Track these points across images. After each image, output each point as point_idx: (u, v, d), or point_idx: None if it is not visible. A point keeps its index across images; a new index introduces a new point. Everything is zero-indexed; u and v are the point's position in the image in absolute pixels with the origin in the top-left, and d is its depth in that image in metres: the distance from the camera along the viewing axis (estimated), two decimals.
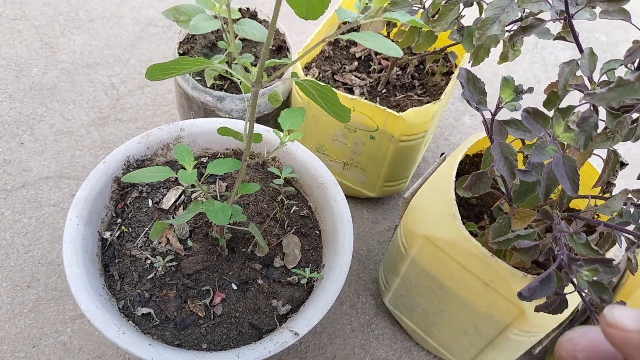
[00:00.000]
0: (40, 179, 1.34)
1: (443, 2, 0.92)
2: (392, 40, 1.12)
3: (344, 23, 0.66)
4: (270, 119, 1.28)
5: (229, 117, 1.21)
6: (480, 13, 0.89)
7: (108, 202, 0.99)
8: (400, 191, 1.40)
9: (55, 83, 1.52)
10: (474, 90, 0.83)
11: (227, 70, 1.01)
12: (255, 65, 1.29)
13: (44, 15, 1.69)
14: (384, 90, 1.28)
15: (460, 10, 0.92)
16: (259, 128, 1.06)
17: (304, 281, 0.95)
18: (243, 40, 1.32)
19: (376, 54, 1.36)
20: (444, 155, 1.09)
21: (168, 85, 1.57)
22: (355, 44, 1.37)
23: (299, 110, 0.77)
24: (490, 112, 0.74)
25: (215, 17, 1.12)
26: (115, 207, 1.01)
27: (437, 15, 0.91)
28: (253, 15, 1.34)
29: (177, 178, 1.07)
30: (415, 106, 1.21)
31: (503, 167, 0.71)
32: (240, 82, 1.21)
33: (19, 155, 1.37)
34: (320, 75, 1.28)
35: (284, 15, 1.71)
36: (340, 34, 0.65)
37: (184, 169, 0.81)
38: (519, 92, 0.73)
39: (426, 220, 0.93)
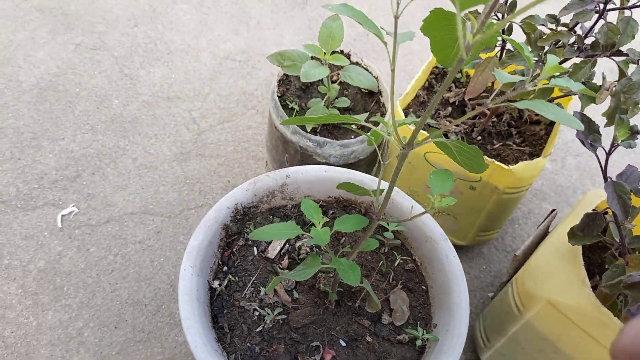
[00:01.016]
0: (125, 214, 1.34)
1: (574, 58, 0.90)
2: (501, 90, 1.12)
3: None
4: (363, 164, 1.27)
5: (326, 162, 1.21)
6: (621, 74, 0.87)
7: (217, 250, 0.99)
8: (491, 240, 1.37)
9: (136, 116, 1.54)
10: (589, 131, 0.81)
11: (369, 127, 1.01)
12: (348, 110, 1.29)
13: (122, 46, 1.72)
14: (479, 138, 1.27)
15: (590, 70, 0.90)
16: (382, 184, 1.05)
17: (419, 342, 0.93)
18: (339, 82, 1.32)
19: (470, 99, 1.35)
20: (555, 212, 1.06)
21: (247, 121, 1.58)
22: (449, 89, 1.36)
23: (446, 173, 0.75)
24: (605, 150, 0.72)
25: (321, 62, 1.12)
26: (222, 255, 1.01)
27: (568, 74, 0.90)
28: (347, 57, 1.34)
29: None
30: (516, 155, 1.19)
31: (616, 206, 0.69)
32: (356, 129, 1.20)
33: (102, 189, 1.38)
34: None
35: (374, 52, 1.70)
36: (509, 101, 0.63)
37: (305, 222, 0.79)
38: (634, 131, 0.72)
39: (550, 284, 0.90)
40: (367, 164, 1.30)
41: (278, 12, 1.92)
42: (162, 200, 1.38)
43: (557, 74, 0.83)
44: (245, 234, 1.04)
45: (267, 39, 1.82)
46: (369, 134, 0.83)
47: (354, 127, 1.30)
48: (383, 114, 1.32)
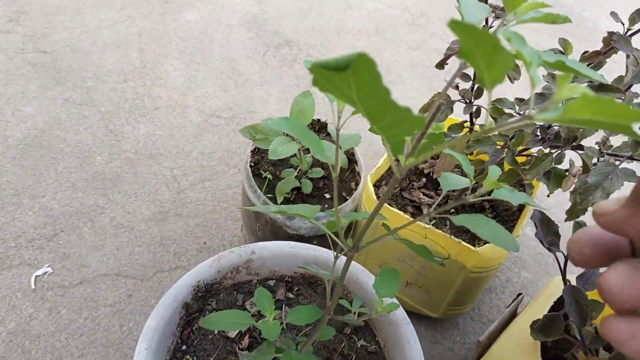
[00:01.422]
0: (98, 275, 1.34)
1: (534, 152, 0.91)
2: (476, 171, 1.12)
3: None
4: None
5: (296, 234, 1.21)
6: (585, 168, 0.87)
7: (175, 330, 0.99)
8: (464, 313, 1.36)
9: (118, 173, 1.56)
10: (547, 231, 0.81)
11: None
12: (323, 179, 1.30)
13: (110, 102, 1.75)
14: (453, 210, 1.27)
15: (552, 163, 0.91)
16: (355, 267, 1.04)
17: None
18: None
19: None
20: (521, 296, 1.06)
21: (228, 179, 1.59)
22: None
23: (393, 274, 0.75)
24: (563, 254, 0.72)
25: (292, 137, 1.14)
26: (182, 334, 1.00)
27: (529, 165, 0.90)
28: (323, 126, 1.35)
29: (242, 303, 1.06)
30: None
31: (573, 312, 0.69)
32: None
33: (78, 249, 1.39)
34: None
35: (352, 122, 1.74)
36: (450, 214, 0.64)
37: (259, 312, 0.79)
38: None
39: None
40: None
41: (267, 69, 1.96)
42: (136, 261, 1.39)
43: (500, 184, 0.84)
44: (207, 312, 1.04)
45: (254, 96, 1.85)
46: (322, 224, 0.83)
47: (327, 195, 1.31)
48: (357, 183, 1.33)
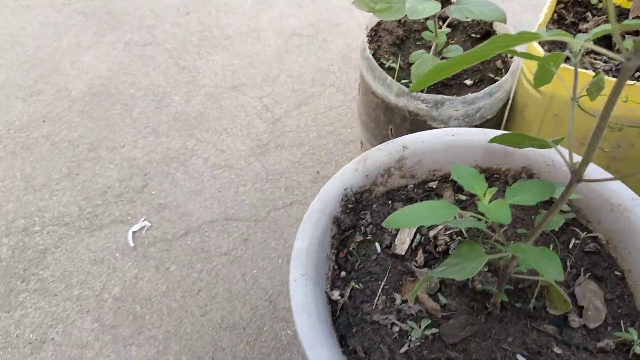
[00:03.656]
0: (204, 223, 1.15)
1: None
2: None
3: None
4: (492, 125, 1.03)
5: (444, 127, 0.97)
6: None
7: (330, 252, 0.77)
8: None
9: (201, 111, 1.35)
10: None
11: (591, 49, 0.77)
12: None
13: (175, 38, 1.54)
14: (639, 74, 0.99)
15: None
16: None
17: (637, 349, 0.67)
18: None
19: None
20: None
21: (327, 101, 1.36)
22: (584, 19, 1.10)
23: None
24: None
25: None
26: (337, 257, 0.78)
27: None
28: None
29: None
30: None
31: None
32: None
33: (174, 197, 1.19)
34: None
35: None
36: None
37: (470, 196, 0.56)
38: None
39: None
40: (495, 124, 1.05)
41: None
42: (244, 202, 1.18)
43: None
44: (362, 227, 0.81)
45: (335, 8, 1.60)
46: (542, 61, 0.58)
47: (468, 82, 1.06)
48: (504, 60, 1.07)
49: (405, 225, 0.57)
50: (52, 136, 1.32)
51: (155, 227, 1.15)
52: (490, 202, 0.58)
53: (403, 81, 0.97)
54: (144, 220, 1.16)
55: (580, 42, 0.46)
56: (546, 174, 0.83)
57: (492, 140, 0.59)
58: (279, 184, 1.21)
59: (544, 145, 0.59)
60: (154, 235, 1.14)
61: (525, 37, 0.41)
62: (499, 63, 1.06)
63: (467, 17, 0.87)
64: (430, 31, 0.96)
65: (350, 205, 0.81)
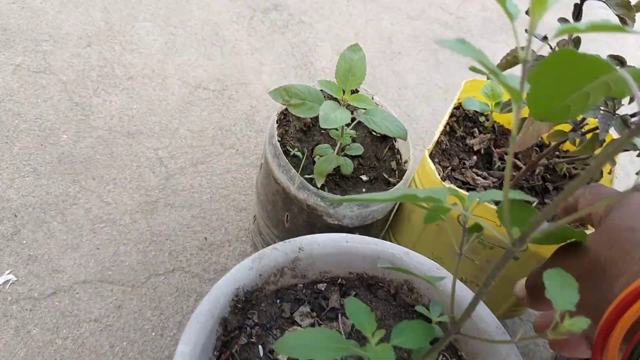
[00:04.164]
0: (76, 283, 1.08)
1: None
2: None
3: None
4: (379, 225, 1.07)
5: (338, 224, 0.99)
6: None
7: (212, 355, 0.75)
8: (523, 314, 1.19)
9: (89, 155, 1.28)
10: None
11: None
12: (358, 157, 1.08)
13: (72, 69, 1.45)
14: None
15: None
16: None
17: None
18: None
19: (495, 146, 1.17)
20: None
21: (225, 162, 1.35)
22: (472, 134, 1.18)
23: (565, 277, 0.55)
24: None
25: (339, 102, 0.91)
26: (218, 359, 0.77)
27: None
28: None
29: (291, 314, 0.84)
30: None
31: None
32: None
33: (47, 249, 1.11)
34: (440, 174, 1.07)
35: (384, 88, 1.48)
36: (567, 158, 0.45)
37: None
38: None
39: None
40: (382, 224, 1.09)
41: (255, 35, 1.71)
42: (123, 263, 1.13)
43: None
44: (248, 328, 0.80)
45: (244, 66, 1.60)
46: (428, 207, 0.62)
47: (364, 177, 1.10)
48: (398, 162, 1.12)
49: (298, 355, 0.57)
50: None
51: (21, 282, 1.06)
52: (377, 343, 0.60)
53: (306, 176, 0.98)
54: (9, 273, 1.07)
55: (473, 200, 0.52)
56: (425, 289, 0.87)
57: (383, 267, 0.62)
58: (163, 247, 1.17)
59: (427, 279, 0.63)
60: (18, 291, 1.05)
61: (431, 199, 0.46)
62: (393, 164, 1.11)
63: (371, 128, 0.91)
64: (336, 129, 0.99)
65: (239, 305, 0.80)
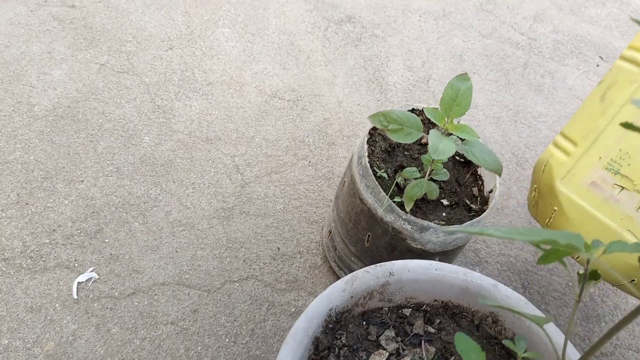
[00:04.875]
0: (155, 284, 1.10)
1: None
2: None
3: None
4: (458, 251, 1.06)
5: (420, 248, 0.99)
6: None
7: None
8: None
9: (170, 158, 1.31)
10: None
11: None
12: (443, 182, 1.08)
13: (155, 72, 1.49)
14: None
15: None
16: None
17: None
18: (422, 145, 1.11)
19: None
20: None
21: (298, 173, 1.36)
22: None
23: None
24: None
25: (441, 131, 0.91)
26: None
27: None
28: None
29: (376, 338, 0.84)
30: None
31: None
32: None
33: (129, 249, 1.14)
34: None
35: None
36: None
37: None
38: None
39: None
40: (460, 250, 1.08)
41: (330, 47, 1.72)
42: (200, 268, 1.15)
43: None
44: (336, 348, 0.81)
45: (318, 77, 1.61)
46: (545, 249, 0.61)
47: (445, 201, 1.09)
48: (480, 189, 1.11)
49: None
50: (4, 154, 1.23)
51: (102, 281, 1.09)
52: None
53: (395, 199, 0.98)
54: (91, 270, 1.10)
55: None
56: (510, 323, 0.86)
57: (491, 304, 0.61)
58: (238, 254, 1.19)
59: (536, 320, 0.62)
60: (100, 289, 1.08)
61: (572, 247, 0.46)
62: (475, 190, 1.10)
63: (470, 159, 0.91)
64: (429, 157, 0.98)
65: (330, 325, 0.80)
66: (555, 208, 1.06)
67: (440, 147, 0.83)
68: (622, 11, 2.25)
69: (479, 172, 1.13)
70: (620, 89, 0.98)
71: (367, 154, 1.01)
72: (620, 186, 0.96)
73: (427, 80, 1.71)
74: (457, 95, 0.91)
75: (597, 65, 1.96)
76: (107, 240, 1.14)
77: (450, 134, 0.92)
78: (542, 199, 1.11)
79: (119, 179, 1.24)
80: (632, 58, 0.98)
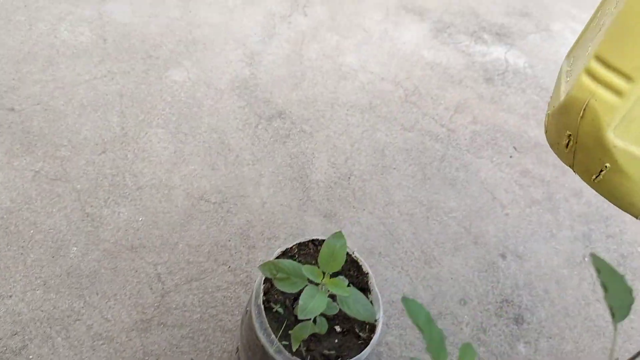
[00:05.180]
0: None
1: None
2: None
3: None
4: None
5: None
6: None
7: None
8: None
9: (95, 269, 1.42)
10: None
11: None
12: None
13: (86, 177, 1.60)
14: None
15: None
16: None
17: None
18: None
19: None
20: None
21: (217, 280, 1.49)
22: None
23: None
24: None
25: (319, 286, 1.05)
26: None
27: None
28: (355, 265, 1.27)
29: None
30: None
31: None
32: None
33: None
34: None
35: (354, 199, 1.61)
36: None
37: None
38: None
39: None
40: None
41: (259, 144, 1.86)
42: None
43: None
44: None
45: (245, 177, 1.74)
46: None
47: (337, 328, 1.23)
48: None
49: None
50: None
51: None
52: None
53: (284, 342, 1.12)
54: None
55: None
56: None
57: None
58: None
59: None
60: None
61: None
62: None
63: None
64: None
65: None
66: (607, 164, 0.83)
67: (309, 307, 0.97)
68: (540, 98, 2.46)
69: (369, 298, 1.27)
70: None
71: (262, 293, 1.14)
72: None
73: (349, 177, 1.86)
74: (333, 252, 1.06)
75: (510, 157, 2.15)
76: (30, 357, 1.25)
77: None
78: (582, 150, 0.87)
79: (45, 293, 1.35)
80: None
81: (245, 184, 1.73)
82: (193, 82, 1.97)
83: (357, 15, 2.49)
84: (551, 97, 0.93)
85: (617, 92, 0.74)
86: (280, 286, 1.05)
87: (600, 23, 0.82)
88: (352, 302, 1.05)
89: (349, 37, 2.38)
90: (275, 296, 1.20)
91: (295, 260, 1.27)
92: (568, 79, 0.82)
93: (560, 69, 0.95)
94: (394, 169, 1.97)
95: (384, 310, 1.53)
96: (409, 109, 2.20)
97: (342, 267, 1.23)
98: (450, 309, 1.64)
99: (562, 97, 0.81)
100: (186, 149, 1.77)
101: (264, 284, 1.20)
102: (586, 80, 0.77)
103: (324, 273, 1.06)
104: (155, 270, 1.46)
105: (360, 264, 1.29)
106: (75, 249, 1.45)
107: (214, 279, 1.49)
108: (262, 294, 1.14)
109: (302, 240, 1.29)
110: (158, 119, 1.82)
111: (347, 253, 1.29)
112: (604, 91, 0.75)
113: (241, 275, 1.52)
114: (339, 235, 1.07)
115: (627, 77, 0.72)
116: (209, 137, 1.83)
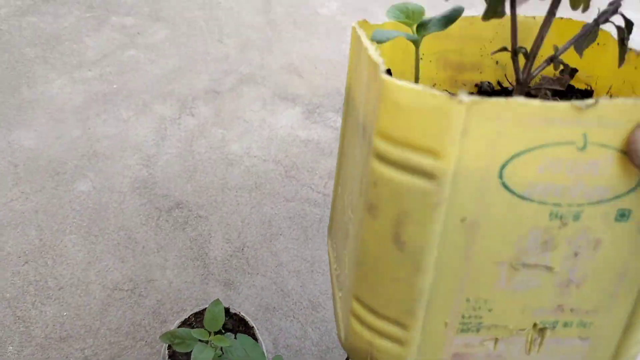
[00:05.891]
0: None
1: None
2: None
3: None
4: None
5: None
6: None
7: None
8: None
9: None
10: None
11: None
12: None
13: (14, 286, 1.90)
14: None
15: None
16: None
17: None
18: None
19: None
20: None
21: (136, 355, 1.81)
22: None
23: None
24: None
25: (208, 344, 1.41)
26: None
27: None
28: (243, 321, 1.64)
29: None
30: None
31: None
32: None
33: None
34: None
35: (248, 266, 2.02)
36: None
37: None
38: None
39: None
40: None
41: (161, 234, 2.22)
42: None
43: None
44: None
45: (152, 264, 2.09)
46: None
47: None
48: None
49: None
50: None
51: None
52: None
53: None
54: None
55: None
56: None
57: None
58: None
59: None
60: None
61: None
62: None
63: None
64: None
65: None
66: None
67: (199, 358, 1.33)
68: None
69: (257, 336, 1.64)
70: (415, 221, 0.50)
71: (168, 357, 1.49)
72: (494, 338, 0.56)
73: (242, 249, 2.25)
74: (214, 315, 1.43)
75: None
76: None
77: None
78: None
79: None
80: (410, 163, 0.49)
81: (153, 270, 2.08)
82: (98, 189, 2.32)
83: (238, 109, 2.95)
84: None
85: (397, 341, 0.58)
86: (178, 349, 1.41)
87: (345, 216, 0.69)
88: (235, 350, 1.42)
89: (232, 128, 2.83)
90: (180, 357, 1.55)
91: (193, 327, 1.64)
92: (340, 294, 0.68)
93: (327, 244, 0.84)
94: (281, 235, 2.38)
95: (280, 353, 1.90)
96: (289, 183, 2.63)
97: (232, 325, 1.61)
98: (336, 343, 2.02)
99: (342, 337, 0.68)
100: (97, 248, 2.10)
101: (168, 349, 1.55)
102: (358, 328, 0.61)
103: (209, 332, 1.43)
104: (83, 354, 1.77)
105: (247, 320, 1.67)
106: (11, 347, 1.74)
107: (134, 354, 1.81)
108: (167, 358, 1.49)
109: (197, 310, 1.66)
110: (71, 226, 2.16)
111: (235, 313, 1.67)
112: (382, 341, 0.59)
113: (157, 347, 1.85)
114: (217, 302, 1.45)
115: (401, 324, 0.56)
116: (116, 235, 2.17)
